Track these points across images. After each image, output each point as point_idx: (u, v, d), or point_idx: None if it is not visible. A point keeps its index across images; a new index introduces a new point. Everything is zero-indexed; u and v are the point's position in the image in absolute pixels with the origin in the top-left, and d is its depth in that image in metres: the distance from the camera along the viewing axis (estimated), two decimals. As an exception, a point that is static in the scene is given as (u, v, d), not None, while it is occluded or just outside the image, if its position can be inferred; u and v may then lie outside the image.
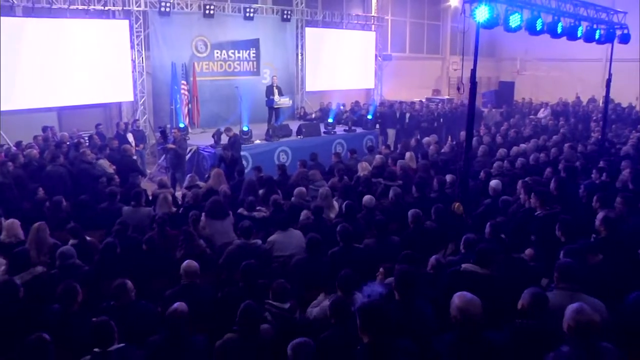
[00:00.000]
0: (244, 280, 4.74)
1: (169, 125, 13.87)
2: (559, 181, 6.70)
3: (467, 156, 7.67)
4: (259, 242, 6.06)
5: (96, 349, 3.59)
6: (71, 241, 5.98)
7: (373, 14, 22.24)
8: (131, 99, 15.39)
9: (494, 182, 7.90)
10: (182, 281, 4.81)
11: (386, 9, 23.31)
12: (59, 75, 13.68)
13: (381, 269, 4.83)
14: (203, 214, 6.83)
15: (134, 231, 6.55)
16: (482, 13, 7.05)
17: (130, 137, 13.03)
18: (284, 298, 4.36)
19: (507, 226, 6.02)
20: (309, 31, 19.33)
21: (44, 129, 12.45)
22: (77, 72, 14.00)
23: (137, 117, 15.05)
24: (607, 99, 12.45)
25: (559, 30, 9.25)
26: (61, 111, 14.60)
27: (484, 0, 7.06)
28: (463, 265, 4.36)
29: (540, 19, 8.60)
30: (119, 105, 15.93)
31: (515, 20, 7.86)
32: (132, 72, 15.11)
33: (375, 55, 22.18)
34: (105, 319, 3.71)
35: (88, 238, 6.34)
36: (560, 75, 25.48)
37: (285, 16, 18.07)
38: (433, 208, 6.71)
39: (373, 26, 22.15)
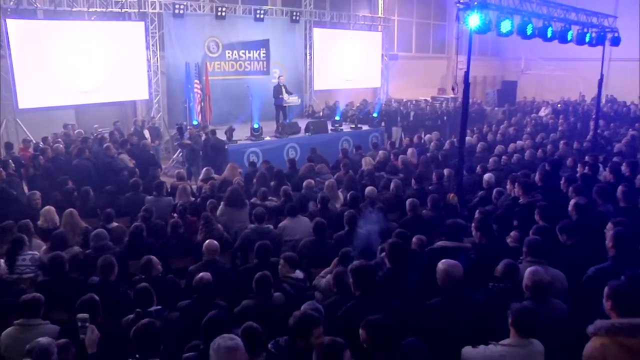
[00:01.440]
0: (259, 257, 5.40)
1: (185, 122, 14.55)
2: (543, 173, 7.35)
3: (461, 151, 8.30)
4: (271, 227, 6.75)
5: (138, 309, 4.25)
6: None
7: (380, 14, 22.83)
8: (146, 97, 16.07)
9: (487, 176, 8.55)
10: (204, 258, 5.48)
11: (392, 9, 23.87)
12: (78, 74, 14.30)
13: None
14: (222, 202, 7.51)
15: (157, 218, 7.25)
16: (474, 20, 7.66)
17: (146, 133, 13.73)
18: (295, 266, 5.03)
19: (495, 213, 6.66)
20: (317, 32, 19.95)
21: (65, 126, 13.20)
22: (95, 71, 14.66)
23: (152, 115, 15.75)
24: (598, 97, 13.06)
25: (549, 34, 9.84)
26: (79, 109, 15.31)
27: (476, 7, 7.68)
28: (437, 243, 5.05)
29: (530, 24, 9.20)
30: (134, 103, 16.64)
31: (506, 26, 8.46)
32: (147, 71, 15.78)
33: (382, 55, 22.77)
34: (145, 285, 4.40)
35: (115, 224, 7.04)
36: (564, 74, 25.81)
37: (294, 17, 18.71)
38: (429, 198, 7.36)
39: (380, 26, 22.74)
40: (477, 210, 6.27)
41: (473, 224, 5.26)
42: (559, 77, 25.95)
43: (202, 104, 15.65)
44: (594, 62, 12.68)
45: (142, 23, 15.57)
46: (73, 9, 14.06)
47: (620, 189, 6.30)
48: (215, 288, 4.78)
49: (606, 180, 7.73)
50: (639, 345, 3.07)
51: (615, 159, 9.95)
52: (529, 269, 3.83)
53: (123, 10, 15.09)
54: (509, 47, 28.03)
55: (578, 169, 8.48)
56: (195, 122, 14.57)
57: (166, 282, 5.19)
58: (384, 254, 4.65)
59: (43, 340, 3.17)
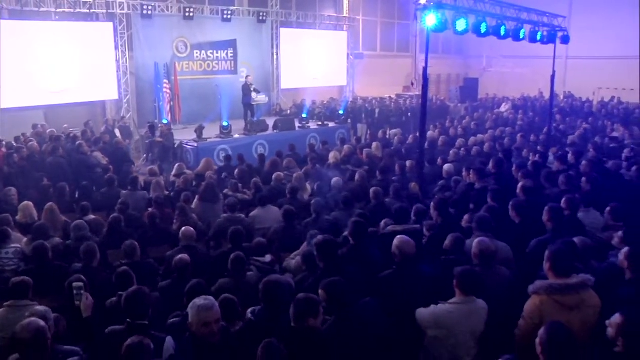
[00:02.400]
0: (232, 242, 5.77)
1: (157, 120, 14.79)
2: (496, 161, 7.93)
3: (422, 144, 8.82)
4: (243, 216, 7.13)
5: (120, 292, 4.58)
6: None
7: (345, 14, 23.32)
8: (116, 97, 16.23)
9: (447, 166, 9.09)
10: (181, 244, 5.84)
11: (357, 9, 24.36)
12: (47, 75, 14.41)
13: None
14: (196, 197, 7.87)
15: (132, 211, 7.56)
16: (430, 19, 8.16)
17: (117, 132, 13.93)
18: (264, 252, 5.43)
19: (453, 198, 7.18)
20: (283, 32, 20.37)
21: (34, 126, 13.30)
22: (64, 72, 14.78)
23: (122, 115, 15.94)
24: (552, 93, 13.72)
25: (503, 32, 10.44)
26: (47, 109, 15.34)
27: (432, 7, 8.18)
28: (388, 228, 5.53)
29: (484, 23, 9.76)
30: (103, 103, 16.72)
31: (461, 24, 9.00)
32: (117, 71, 15.94)
33: (347, 54, 23.30)
34: (126, 269, 4.74)
35: (92, 216, 7.32)
36: (524, 71, 26.60)
37: (261, 18, 19.08)
38: (392, 187, 7.84)
39: (345, 26, 23.25)
40: (436, 196, 6.75)
41: (432, 205, 5.77)
42: (519, 74, 26.68)
43: (172, 103, 15.91)
44: (551, 59, 13.38)
45: (111, 24, 15.69)
46: (40, 9, 14.15)
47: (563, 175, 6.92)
48: (193, 271, 5.14)
49: (555, 168, 8.34)
50: (570, 301, 3.59)
51: (567, 148, 10.66)
52: (476, 240, 4.35)
53: (91, 11, 15.23)
54: (471, 45, 28.75)
55: (530, 158, 9.10)
56: (165, 121, 14.82)
57: (146, 267, 5.54)
58: (347, 232, 5.10)
59: (40, 308, 3.50)
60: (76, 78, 15.05)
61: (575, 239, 4.45)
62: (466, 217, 6.20)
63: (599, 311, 3.56)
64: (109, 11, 15.54)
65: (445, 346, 3.69)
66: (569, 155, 8.82)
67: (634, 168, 7.66)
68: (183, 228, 5.95)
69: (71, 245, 6.23)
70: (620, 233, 4.93)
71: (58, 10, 14.53)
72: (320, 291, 3.55)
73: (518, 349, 3.53)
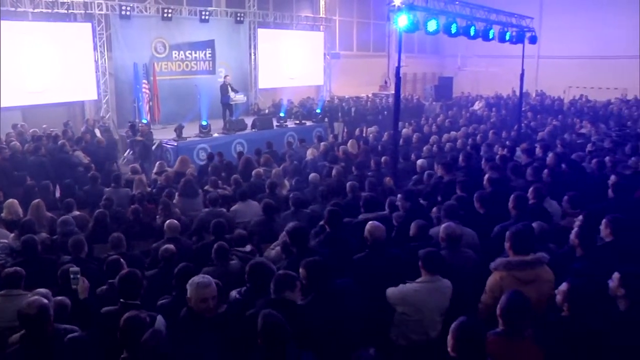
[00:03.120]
0: (215, 234, 6.05)
1: (138, 120, 14.97)
2: (465, 154, 8.34)
3: (395, 140, 9.19)
4: (224, 210, 7.42)
5: (110, 280, 4.84)
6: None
7: (321, 15, 23.67)
8: (95, 97, 16.31)
9: (420, 161, 9.47)
10: (166, 236, 6.10)
11: (334, 9, 24.72)
12: (24, 75, 14.44)
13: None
14: (176, 193, 8.12)
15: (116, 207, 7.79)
16: (402, 20, 8.52)
17: (97, 132, 14.06)
18: (244, 243, 5.73)
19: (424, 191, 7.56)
20: (261, 32, 20.64)
21: (14, 126, 13.38)
22: (42, 72, 14.84)
23: (102, 115, 16.05)
24: (521, 91, 14.22)
25: (472, 33, 10.87)
26: (26, 110, 15.38)
27: (405, 9, 8.55)
28: (359, 217, 5.89)
29: (455, 24, 10.16)
30: (82, 103, 16.78)
31: (432, 25, 9.38)
32: (96, 72, 16.04)
33: (324, 54, 23.66)
34: (116, 258, 5.00)
35: (77, 212, 7.54)
36: (498, 70, 27.12)
37: (238, 18, 19.32)
38: (367, 181, 8.17)
39: (321, 26, 23.59)
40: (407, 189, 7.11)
41: (399, 197, 6.14)
42: (493, 73, 27.18)
43: (151, 103, 16.08)
44: (525, 58, 13.87)
45: (89, 24, 15.80)
46: (17, 9, 14.19)
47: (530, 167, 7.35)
48: (178, 260, 5.40)
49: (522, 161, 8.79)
50: (526, 276, 4.00)
51: (536, 144, 11.13)
52: (443, 225, 4.72)
53: (69, 11, 15.29)
54: (446, 45, 29.32)
55: (498, 152, 9.54)
56: (144, 121, 15.00)
57: (132, 258, 5.78)
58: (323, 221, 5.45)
59: (41, 290, 3.76)
60: (55, 78, 15.13)
61: (534, 224, 4.83)
62: (435, 209, 6.57)
63: (552, 285, 3.92)
64: (87, 12, 15.63)
65: (413, 321, 4.02)
66: (537, 149, 9.28)
67: (594, 161, 8.11)
68: (168, 221, 6.21)
69: (58, 240, 6.44)
70: (580, 217, 5.36)
71: (35, 11, 14.58)
72: (300, 270, 3.86)
73: (480, 319, 3.89)
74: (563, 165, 8.14)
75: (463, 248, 4.73)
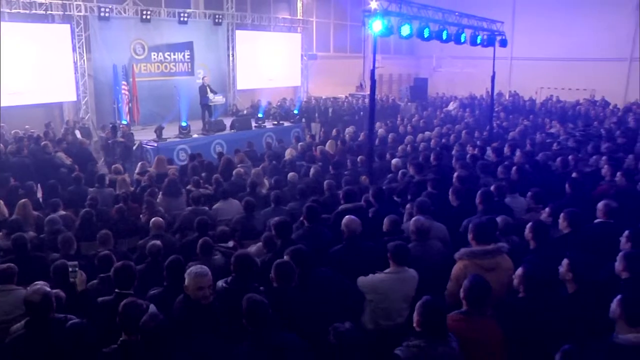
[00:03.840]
0: (199, 230, 6.33)
1: (119, 121, 15.13)
2: (436, 154, 8.76)
3: (371, 140, 9.55)
4: (207, 208, 7.70)
5: (101, 275, 5.10)
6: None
7: (299, 16, 23.98)
8: (74, 98, 16.45)
9: (395, 160, 9.84)
10: (152, 233, 6.37)
11: (311, 11, 25.06)
12: (3, 76, 14.30)
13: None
14: (160, 192, 8.38)
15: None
16: (377, 25, 8.88)
17: (77, 133, 14.21)
18: (227, 239, 6.03)
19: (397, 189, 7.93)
20: (239, 34, 20.89)
21: (-6, 127, 13.48)
22: (21, 73, 14.90)
23: (81, 116, 16.17)
24: (492, 92, 14.71)
25: (444, 37, 11.28)
26: (4, 111, 15.37)
27: (379, 14, 8.91)
28: (340, 207, 6.24)
29: (427, 28, 10.54)
30: (60, 105, 16.86)
31: (405, 30, 9.73)
32: (75, 73, 16.16)
33: (302, 55, 23.98)
34: (107, 253, 5.26)
35: (63, 212, 7.75)
36: (473, 71, 27.67)
37: (217, 20, 19.53)
38: (343, 180, 8.53)
39: (299, 28, 23.92)
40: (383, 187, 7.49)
41: (370, 194, 6.52)
42: (467, 74, 27.55)
43: (130, 104, 16.22)
44: (498, 60, 14.35)
45: (68, 25, 15.88)
46: (-5, 10, 14.25)
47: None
48: (164, 257, 5.67)
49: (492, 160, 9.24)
50: (487, 264, 4.41)
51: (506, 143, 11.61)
52: (413, 218, 5.09)
53: (47, 12, 15.38)
54: (421, 46, 29.62)
55: (470, 151, 9.98)
56: (124, 122, 15.17)
57: (120, 254, 6.04)
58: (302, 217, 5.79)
59: (40, 282, 4.02)
60: (33, 79, 15.21)
61: (498, 218, 5.23)
62: (408, 205, 6.95)
63: (512, 273, 4.29)
64: (65, 13, 15.72)
65: (381, 308, 4.36)
66: (505, 149, 9.74)
67: (558, 159, 8.57)
68: (153, 219, 6.48)
69: (45, 239, 6.66)
70: (547, 209, 5.80)
71: (13, 11, 14.63)
72: (285, 257, 4.19)
73: (446, 304, 4.26)
74: (527, 165, 8.60)
75: (432, 240, 5.10)
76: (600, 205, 5.71)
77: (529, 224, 4.95)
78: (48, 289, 3.48)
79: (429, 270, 4.65)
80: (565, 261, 3.94)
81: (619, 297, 3.31)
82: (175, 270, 4.19)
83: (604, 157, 8.46)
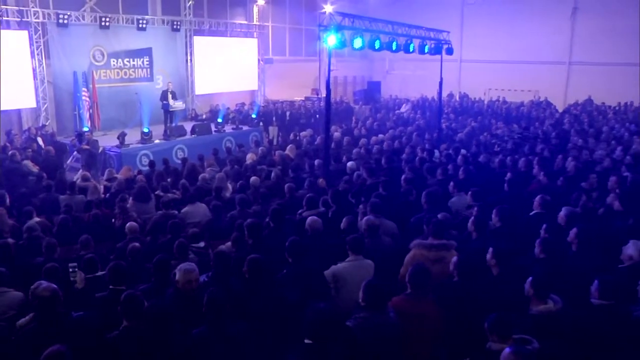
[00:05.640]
0: (172, 233, 6.89)
1: (86, 129, 15.38)
2: (387, 156, 9.56)
3: (327, 144, 10.25)
4: (176, 212, 8.24)
5: (88, 275, 5.60)
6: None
7: (255, 22, 24.53)
8: (33, 105, 16.56)
9: (350, 163, 10.58)
10: (128, 236, 6.90)
11: (267, 16, 25.64)
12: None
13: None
14: (130, 198, 8.86)
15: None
16: (331, 40, 9.59)
17: (40, 140, 14.43)
18: (198, 240, 6.63)
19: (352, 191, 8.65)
20: (197, 39, 21.35)
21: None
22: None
23: (42, 123, 16.32)
24: (440, 95, 15.61)
25: (394, 47, 12.08)
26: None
27: (333, 29, 9.62)
28: (304, 213, 6.94)
29: (378, 40, 11.33)
30: (18, 112, 16.91)
31: (358, 43, 10.49)
32: (34, 79, 16.28)
33: (258, 59, 24.56)
34: (93, 256, 5.77)
35: (37, 219, 8.15)
36: (424, 73, 28.68)
37: (175, 26, 19.91)
38: (306, 182, 9.17)
39: (255, 33, 24.46)
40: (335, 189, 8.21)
41: (329, 195, 7.23)
42: (419, 76, 28.23)
43: (91, 110, 16.47)
44: (448, 63, 15.20)
45: (26, 32, 15.98)
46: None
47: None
48: (142, 257, 6.22)
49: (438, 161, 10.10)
50: (433, 256, 5.18)
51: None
52: (364, 218, 5.82)
53: (3, 18, 15.40)
54: (375, 49, 30.61)
55: (419, 154, 10.83)
56: (86, 128, 15.46)
57: (101, 257, 6.55)
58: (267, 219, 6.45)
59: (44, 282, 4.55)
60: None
61: (439, 215, 6.01)
62: (361, 206, 7.69)
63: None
64: (23, 19, 15.82)
65: (343, 293, 5.03)
66: (451, 150, 10.66)
67: (497, 160, 9.48)
68: (128, 223, 7.01)
69: (25, 245, 7.07)
70: (475, 208, 6.64)
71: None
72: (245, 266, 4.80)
73: (399, 287, 4.98)
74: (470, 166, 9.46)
75: (382, 236, 5.84)
76: (537, 199, 6.77)
77: (472, 219, 5.77)
78: (55, 286, 4.02)
79: (379, 261, 5.35)
80: (490, 250, 4.75)
81: (530, 278, 4.12)
82: (162, 268, 4.79)
83: (536, 158, 9.41)
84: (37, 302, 3.89)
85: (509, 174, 8.30)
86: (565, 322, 3.96)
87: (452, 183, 7.75)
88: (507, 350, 3.14)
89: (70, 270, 4.80)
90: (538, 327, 3.85)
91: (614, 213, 6.86)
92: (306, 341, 3.52)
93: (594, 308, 4.06)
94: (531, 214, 6.70)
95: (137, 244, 6.08)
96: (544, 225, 5.61)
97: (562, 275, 4.81)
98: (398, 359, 4.04)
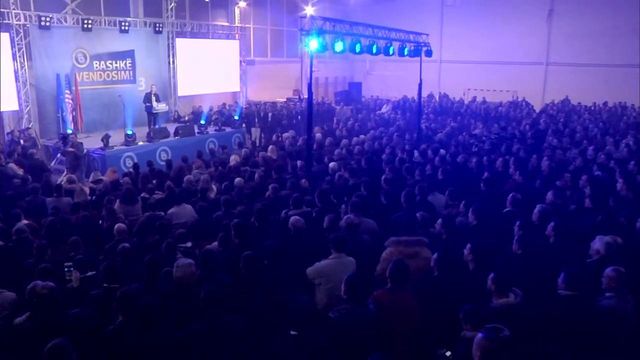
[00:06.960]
0: (160, 233, 7.09)
1: (69, 132, 15.44)
2: (367, 158, 9.84)
3: (309, 145, 10.50)
4: (163, 213, 8.43)
5: (81, 275, 5.77)
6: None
7: (236, 23, 24.75)
8: (16, 107, 16.55)
9: (332, 164, 10.82)
10: (117, 237, 7.07)
11: (248, 18, 25.88)
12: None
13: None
14: (117, 200, 9.02)
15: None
16: (313, 44, 9.84)
17: (22, 143, 14.48)
18: (185, 240, 6.84)
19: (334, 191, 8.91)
20: (179, 41, 21.48)
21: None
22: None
23: (23, 126, 16.34)
24: (419, 96, 15.91)
25: (374, 50, 12.38)
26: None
27: (315, 33, 9.87)
28: (289, 212, 7.18)
29: (359, 44, 11.61)
30: (0, 114, 16.93)
31: (339, 46, 10.74)
32: (16, 82, 16.27)
33: (240, 61, 24.73)
34: (83, 257, 5.96)
35: (25, 221, 8.28)
36: (405, 74, 28.97)
37: (157, 28, 19.98)
38: (289, 183, 9.41)
39: (237, 35, 24.64)
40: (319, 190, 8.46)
41: (315, 195, 7.49)
42: (399, 77, 28.86)
43: (74, 113, 16.54)
44: (428, 63, 15.52)
45: (7, 34, 15.96)
46: None
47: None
48: (132, 257, 6.40)
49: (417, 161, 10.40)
50: (409, 252, 5.43)
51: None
52: (345, 217, 6.08)
53: (-15, 21, 15.43)
54: (355, 50, 30.92)
55: (399, 154, 11.12)
56: (69, 131, 15.52)
57: (90, 258, 6.73)
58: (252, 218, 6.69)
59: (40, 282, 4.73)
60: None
61: (418, 214, 6.29)
62: (343, 205, 7.95)
63: (429, 262, 5.30)
64: (4, 22, 15.79)
65: (326, 289, 5.28)
66: (429, 151, 10.96)
67: (474, 160, 9.80)
68: (117, 225, 7.18)
69: (14, 247, 7.21)
70: (462, 203, 6.94)
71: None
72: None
73: (376, 283, 5.25)
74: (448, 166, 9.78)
75: (361, 234, 6.10)
76: (509, 197, 7.10)
77: (439, 221, 6.07)
78: (52, 284, 4.21)
79: (359, 257, 5.60)
80: (468, 246, 5.04)
81: (491, 275, 4.44)
82: (154, 267, 5.00)
83: (512, 158, 9.75)
84: (36, 300, 4.08)
85: (485, 174, 8.61)
86: (525, 314, 4.30)
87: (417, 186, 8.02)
88: (479, 335, 3.40)
89: (66, 269, 4.99)
90: (498, 319, 4.13)
91: (584, 210, 7.21)
92: (292, 332, 3.79)
93: (560, 298, 4.37)
94: (504, 211, 7.02)
95: (127, 245, 6.25)
96: (517, 222, 5.90)
97: (538, 268, 5.13)
98: (375, 347, 4.30)
